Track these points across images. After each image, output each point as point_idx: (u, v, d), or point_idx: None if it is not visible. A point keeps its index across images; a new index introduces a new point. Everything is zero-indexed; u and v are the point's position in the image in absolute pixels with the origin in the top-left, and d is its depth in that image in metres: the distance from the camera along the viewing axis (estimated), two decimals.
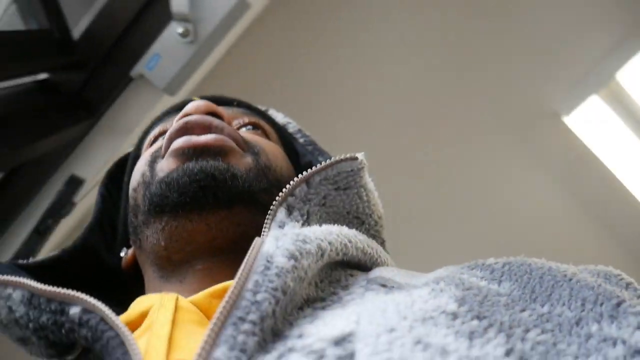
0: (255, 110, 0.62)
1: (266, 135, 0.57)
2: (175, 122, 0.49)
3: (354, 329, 0.29)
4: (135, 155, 0.60)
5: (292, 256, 0.34)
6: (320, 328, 0.30)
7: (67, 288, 0.39)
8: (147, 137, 0.60)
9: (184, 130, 0.47)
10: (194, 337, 0.33)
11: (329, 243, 0.38)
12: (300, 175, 0.44)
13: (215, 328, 0.28)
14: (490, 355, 0.27)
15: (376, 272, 0.40)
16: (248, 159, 0.48)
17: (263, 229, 0.41)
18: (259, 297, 0.30)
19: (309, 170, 0.44)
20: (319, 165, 0.45)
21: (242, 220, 0.45)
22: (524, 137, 1.72)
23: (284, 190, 0.43)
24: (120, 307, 0.44)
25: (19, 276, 0.39)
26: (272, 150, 0.53)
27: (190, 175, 0.44)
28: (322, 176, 0.44)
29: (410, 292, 0.34)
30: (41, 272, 0.47)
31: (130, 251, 0.54)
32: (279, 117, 0.64)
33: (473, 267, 0.39)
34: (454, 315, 0.30)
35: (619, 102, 1.69)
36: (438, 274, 0.39)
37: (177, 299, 0.38)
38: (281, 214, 0.42)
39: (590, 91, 1.64)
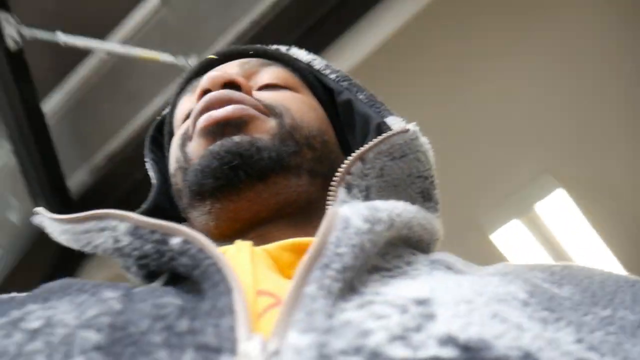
0: (273, 56, 0.60)
1: (288, 87, 0.56)
2: (196, 101, 0.51)
3: (429, 297, 0.29)
4: (170, 120, 0.61)
5: (367, 220, 0.35)
6: (397, 290, 0.31)
7: None
8: (178, 100, 0.60)
9: (205, 108, 0.49)
10: (272, 278, 0.35)
11: (398, 215, 0.39)
12: (352, 155, 0.44)
13: (303, 269, 0.30)
14: (562, 340, 0.27)
15: (439, 255, 0.41)
16: (271, 123, 0.49)
17: (326, 209, 0.41)
18: (340, 250, 0.31)
19: (361, 148, 0.45)
20: (370, 143, 0.45)
21: (280, 188, 0.47)
22: (450, 247, 1.91)
23: (339, 171, 0.44)
24: None
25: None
26: (296, 104, 0.53)
27: (218, 158, 0.46)
28: (375, 151, 0.45)
29: (481, 277, 0.35)
30: None
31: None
32: (302, 55, 0.62)
33: (533, 268, 0.39)
34: (525, 303, 0.31)
35: (537, 229, 1.93)
36: (499, 268, 0.39)
37: (251, 245, 0.40)
38: (342, 193, 0.43)
39: (512, 215, 1.88)
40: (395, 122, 0.53)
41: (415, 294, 0.30)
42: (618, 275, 0.37)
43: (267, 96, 0.52)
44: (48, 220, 0.44)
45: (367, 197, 0.44)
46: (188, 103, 0.57)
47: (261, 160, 0.46)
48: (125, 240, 0.38)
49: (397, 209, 0.39)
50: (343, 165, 0.44)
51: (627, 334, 0.30)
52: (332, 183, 0.43)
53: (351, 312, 0.28)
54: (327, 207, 0.41)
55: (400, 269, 0.37)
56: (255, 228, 0.47)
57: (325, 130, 0.54)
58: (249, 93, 0.51)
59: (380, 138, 0.45)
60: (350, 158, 0.44)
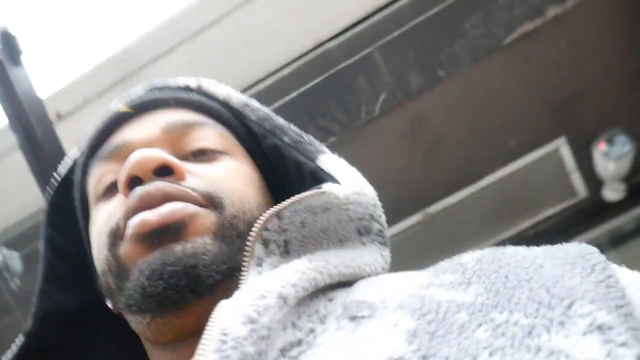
0: (197, 106, 0.55)
1: (218, 151, 0.53)
2: (122, 189, 0.47)
3: None
4: (81, 185, 0.55)
5: (248, 319, 0.34)
6: None
7: None
8: (89, 164, 0.55)
9: (137, 207, 0.45)
10: None
11: (293, 285, 0.38)
12: (265, 215, 0.43)
13: None
14: None
15: (354, 293, 0.41)
16: (211, 218, 0.46)
17: (242, 270, 0.41)
18: None
19: (273, 208, 0.43)
20: (283, 204, 0.43)
21: (230, 292, 0.43)
22: None
23: (253, 229, 0.42)
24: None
25: None
26: (234, 182, 0.50)
27: (161, 280, 0.42)
28: (290, 210, 0.43)
29: (367, 334, 0.35)
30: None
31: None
32: (218, 91, 0.58)
33: (445, 270, 0.39)
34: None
35: None
36: (411, 288, 0.39)
37: None
38: (258, 249, 0.42)
39: None
40: (327, 163, 0.51)
41: None
42: (522, 263, 0.36)
43: (202, 178, 0.48)
44: None
45: (285, 252, 0.43)
46: (104, 171, 0.52)
47: (209, 278, 0.43)
48: None
49: (294, 276, 0.39)
50: (259, 221, 0.42)
51: (516, 345, 0.29)
52: (249, 239, 0.42)
53: None
54: (243, 266, 0.41)
55: (312, 334, 0.37)
56: (196, 337, 0.42)
57: (264, 202, 0.51)
58: (182, 178, 0.47)
59: (293, 199, 0.43)
60: (265, 215, 0.42)
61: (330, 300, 0.41)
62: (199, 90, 0.57)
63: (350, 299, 0.40)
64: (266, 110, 0.56)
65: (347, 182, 0.49)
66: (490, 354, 0.29)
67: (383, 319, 0.35)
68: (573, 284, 0.32)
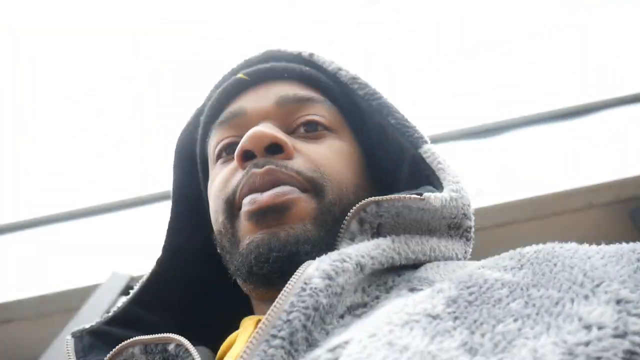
0: (308, 80, 0.59)
1: (325, 127, 0.56)
2: (237, 163, 0.53)
3: (352, 336, 0.34)
4: (204, 140, 0.62)
5: (327, 276, 0.39)
6: (337, 337, 0.36)
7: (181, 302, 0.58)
8: (211, 125, 0.59)
9: (251, 188, 0.51)
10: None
11: (372, 257, 0.43)
12: (365, 200, 0.47)
13: (251, 345, 0.36)
14: (443, 349, 0.31)
15: (420, 271, 0.45)
16: (312, 204, 0.51)
17: (336, 241, 0.46)
18: (291, 316, 0.36)
19: (374, 198, 0.47)
20: (385, 197, 0.47)
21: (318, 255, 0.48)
22: None
23: (353, 208, 0.47)
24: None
25: (136, 329, 0.54)
26: (336, 165, 0.54)
27: (268, 262, 0.48)
28: (389, 203, 0.47)
29: (411, 297, 0.39)
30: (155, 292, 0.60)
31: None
32: (328, 64, 0.61)
33: (505, 257, 0.43)
34: (435, 317, 0.34)
35: None
36: (466, 270, 0.43)
37: (258, 320, 0.47)
38: (354, 225, 0.46)
39: None
40: (430, 154, 0.53)
41: (340, 339, 0.35)
42: (575, 256, 0.39)
43: (308, 160, 0.53)
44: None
45: (377, 233, 0.47)
46: (222, 135, 0.58)
47: (307, 255, 0.48)
48: (141, 358, 0.48)
49: (375, 250, 0.43)
50: (360, 203, 0.47)
51: (540, 313, 0.33)
52: (347, 216, 0.47)
53: None
54: (337, 238, 0.46)
55: (377, 300, 0.42)
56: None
57: (363, 182, 0.56)
58: (291, 157, 0.52)
59: (393, 197, 0.47)
60: (365, 201, 0.47)
61: (399, 275, 0.45)
62: (310, 60, 0.61)
63: (415, 275, 0.44)
64: (375, 88, 0.58)
65: (446, 181, 0.51)
66: (515, 320, 0.33)
67: (427, 290, 0.39)
68: (610, 270, 0.36)
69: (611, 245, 0.42)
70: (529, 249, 0.43)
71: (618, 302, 0.32)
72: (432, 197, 0.48)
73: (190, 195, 0.64)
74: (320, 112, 0.57)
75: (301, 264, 0.45)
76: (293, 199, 0.50)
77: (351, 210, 0.47)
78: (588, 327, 0.30)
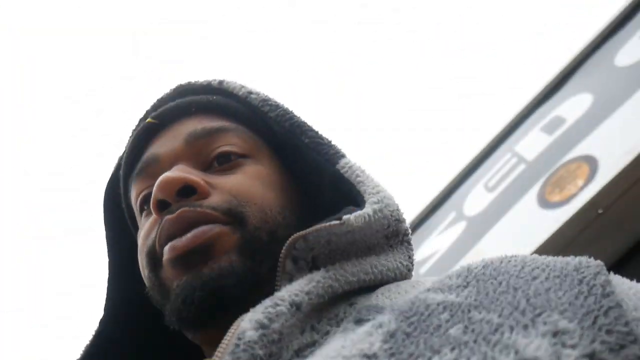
0: (216, 109, 0.57)
1: (239, 155, 0.54)
2: (154, 211, 0.51)
3: None
4: (126, 196, 0.60)
5: (260, 325, 0.37)
6: None
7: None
8: (130, 180, 0.58)
9: (169, 235, 0.49)
10: None
11: (306, 293, 0.41)
12: (292, 236, 0.45)
13: None
14: None
15: (371, 299, 0.44)
16: (235, 235, 0.49)
17: (275, 285, 0.44)
18: None
19: (298, 233, 0.45)
20: (307, 230, 0.45)
21: (258, 298, 0.45)
22: None
23: (283, 249, 0.45)
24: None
25: None
26: (255, 191, 0.52)
27: (193, 303, 0.46)
28: (314, 235, 0.45)
29: (351, 335, 0.38)
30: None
31: None
32: (239, 90, 0.59)
33: (453, 275, 0.41)
34: (374, 357, 0.34)
35: None
36: (413, 293, 0.42)
37: None
38: (289, 265, 0.45)
39: None
40: (347, 169, 0.51)
41: None
42: (519, 275, 0.38)
43: (224, 193, 0.51)
44: None
45: (314, 267, 0.45)
46: (140, 187, 0.56)
47: (235, 294, 0.46)
48: None
49: (308, 285, 0.42)
50: (288, 242, 0.45)
51: (478, 341, 0.32)
52: (280, 257, 0.45)
53: None
54: (276, 283, 0.44)
55: (327, 335, 0.41)
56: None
57: (289, 203, 0.53)
58: (205, 195, 0.50)
59: (314, 228, 0.45)
60: (291, 238, 0.45)
61: (351, 305, 0.44)
62: (220, 88, 0.59)
63: (366, 304, 0.43)
64: (286, 108, 0.56)
65: (366, 194, 0.50)
66: (452, 349, 0.32)
67: (366, 325, 0.38)
68: (552, 297, 0.35)
69: (559, 259, 0.40)
70: (478, 264, 0.42)
71: (555, 334, 0.32)
72: (352, 218, 0.46)
73: (125, 248, 0.61)
74: (232, 140, 0.54)
75: (227, 298, 0.45)
76: (213, 235, 0.48)
77: (282, 251, 0.45)
78: None
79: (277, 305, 0.39)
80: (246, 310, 0.42)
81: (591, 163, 1.59)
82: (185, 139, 0.54)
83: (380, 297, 0.44)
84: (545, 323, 0.32)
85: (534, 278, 0.37)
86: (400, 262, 0.51)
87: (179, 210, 0.49)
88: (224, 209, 0.49)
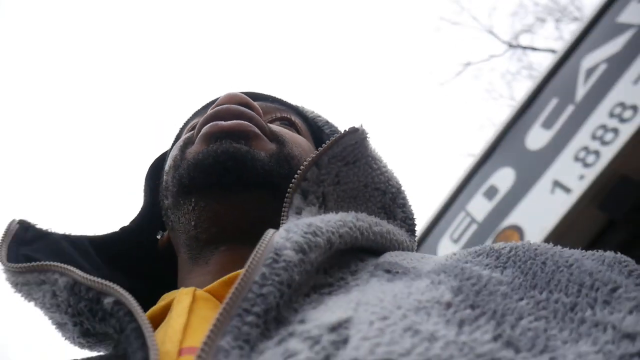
0: (288, 105, 0.63)
1: (296, 129, 0.59)
2: (209, 111, 0.52)
3: (351, 315, 0.30)
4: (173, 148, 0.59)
5: (301, 249, 0.35)
6: (321, 314, 0.32)
7: (115, 265, 0.47)
8: (185, 128, 0.61)
9: (214, 117, 0.50)
10: (209, 324, 0.31)
11: (340, 236, 0.39)
12: (308, 159, 0.45)
13: (221, 318, 0.30)
14: (478, 341, 0.28)
15: (385, 257, 0.42)
16: (272, 146, 0.50)
17: (281, 216, 0.42)
18: (264, 290, 0.31)
19: (315, 152, 0.45)
20: (323, 146, 0.46)
21: (264, 204, 0.48)
22: None
23: (295, 176, 0.44)
24: (161, 286, 0.49)
25: (67, 260, 0.43)
26: (298, 141, 0.54)
27: (214, 156, 0.46)
28: (329, 155, 0.46)
29: (409, 284, 0.35)
30: (98, 248, 0.51)
31: (166, 233, 0.57)
32: (310, 112, 0.66)
33: (480, 254, 0.40)
34: (448, 305, 0.31)
35: None
36: (443, 261, 0.40)
37: (194, 290, 0.41)
38: (297, 199, 0.43)
39: None
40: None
41: (335, 317, 0.30)
42: (560, 254, 0.38)
43: (275, 127, 0.55)
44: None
45: (323, 205, 0.45)
46: (196, 121, 0.57)
47: (254, 170, 0.47)
48: (62, 296, 0.40)
49: (342, 228, 0.40)
50: (298, 171, 0.45)
51: (559, 318, 0.31)
52: (288, 189, 0.44)
53: (268, 353, 0.29)
54: (282, 215, 0.42)
55: (343, 281, 0.38)
56: (227, 240, 0.48)
57: None
58: (260, 116, 0.53)
59: (332, 140, 0.46)
60: (305, 163, 0.45)
61: (362, 260, 0.42)
62: (295, 105, 0.66)
63: (382, 260, 0.41)
64: (337, 127, 0.65)
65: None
66: (536, 319, 0.31)
67: (424, 278, 0.36)
68: (614, 276, 0.34)
69: (584, 251, 0.40)
70: (502, 246, 0.41)
71: None
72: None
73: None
74: (293, 118, 0.60)
75: (248, 168, 0.46)
76: (256, 133, 0.50)
77: (292, 182, 0.44)
78: (630, 337, 0.28)
79: (316, 235, 0.37)
80: (254, 208, 0.46)
81: (520, 233, 2.09)
82: (258, 104, 0.57)
83: (394, 257, 0.42)
84: (628, 299, 0.31)
85: (579, 258, 0.37)
86: (405, 240, 0.50)
87: (234, 106, 0.51)
88: (272, 131, 0.52)
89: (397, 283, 0.36)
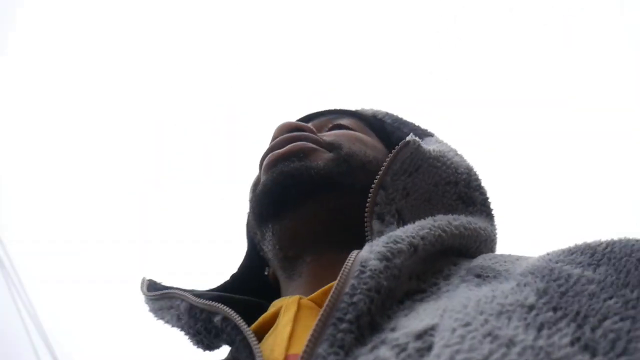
0: (341, 112, 0.66)
1: (353, 129, 0.61)
2: (269, 146, 0.55)
3: (437, 323, 0.32)
4: None
5: (384, 257, 0.37)
6: (411, 321, 0.34)
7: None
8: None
9: (271, 150, 0.54)
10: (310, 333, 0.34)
11: (422, 238, 0.41)
12: (371, 188, 0.46)
13: (317, 328, 0.33)
14: (555, 345, 0.28)
15: (478, 260, 0.43)
16: (329, 155, 0.53)
17: (366, 239, 0.43)
18: (355, 298, 0.34)
19: (373, 186, 0.46)
20: (382, 169, 0.47)
21: (332, 205, 0.50)
22: None
23: (367, 205, 0.46)
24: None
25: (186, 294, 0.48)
26: (354, 137, 0.57)
27: (273, 180, 0.50)
28: (390, 174, 0.47)
29: (495, 287, 0.36)
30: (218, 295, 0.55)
31: (270, 268, 0.60)
32: (368, 110, 0.68)
33: (574, 252, 0.39)
34: (530, 308, 0.31)
35: None
36: (535, 262, 0.39)
37: (299, 299, 0.44)
38: (376, 225, 0.45)
39: None
40: (429, 142, 0.57)
41: (423, 325, 0.32)
42: None
43: (330, 134, 0.57)
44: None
45: (400, 220, 0.47)
46: None
47: (310, 178, 0.49)
48: (184, 319, 0.46)
49: (422, 231, 0.42)
50: (368, 199, 0.46)
51: None
52: (365, 218, 0.46)
53: (361, 359, 0.31)
54: (367, 238, 0.44)
55: (435, 287, 0.40)
56: (311, 249, 0.50)
57: (380, 158, 0.56)
58: (314, 133, 0.56)
59: (388, 160, 0.47)
60: (371, 190, 0.46)
61: (455, 264, 0.43)
62: (352, 110, 0.68)
63: (474, 264, 0.42)
64: (398, 116, 0.67)
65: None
66: (621, 319, 0.30)
67: (511, 280, 0.36)
68: None
69: None
70: (598, 242, 0.40)
71: None
72: (415, 138, 0.49)
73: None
74: (347, 122, 0.63)
75: (305, 178, 0.49)
76: (310, 147, 0.52)
77: (366, 211, 0.46)
78: None
79: (397, 242, 0.39)
80: (323, 210, 0.48)
81: None
82: (317, 119, 0.63)
83: (488, 261, 0.43)
84: None
85: None
86: (487, 227, 0.51)
87: (289, 134, 0.54)
88: (327, 141, 0.55)
89: (484, 288, 0.37)
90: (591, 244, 0.40)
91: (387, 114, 0.67)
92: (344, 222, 0.49)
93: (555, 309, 0.31)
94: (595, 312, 0.31)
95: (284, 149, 0.52)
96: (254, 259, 0.62)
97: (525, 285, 0.35)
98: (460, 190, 0.53)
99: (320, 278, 0.46)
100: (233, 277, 0.60)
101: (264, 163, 0.53)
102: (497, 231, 0.55)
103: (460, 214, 0.51)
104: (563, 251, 0.41)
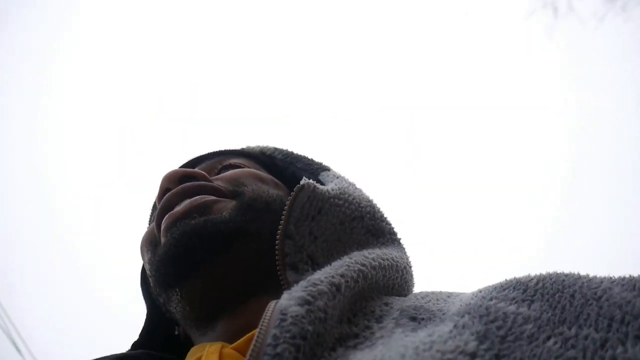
0: (228, 152, 0.63)
1: (245, 166, 0.59)
2: (157, 202, 0.52)
3: None
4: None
5: (304, 302, 0.36)
6: None
7: None
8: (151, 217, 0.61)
9: (165, 209, 0.50)
10: None
11: (341, 276, 0.39)
12: (277, 239, 0.45)
13: None
14: None
15: (410, 300, 0.42)
16: (232, 203, 0.50)
17: (282, 290, 0.41)
18: (279, 349, 0.32)
19: (279, 228, 0.45)
20: (282, 219, 0.45)
21: (244, 256, 0.48)
22: None
23: (276, 257, 0.44)
24: None
25: None
26: (251, 174, 0.55)
27: (174, 244, 0.46)
28: (292, 222, 0.46)
29: (431, 331, 0.35)
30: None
31: (180, 327, 0.58)
32: (255, 148, 0.67)
33: (506, 287, 0.39)
34: (472, 356, 0.31)
35: None
36: (469, 300, 0.39)
37: (221, 347, 0.42)
38: (291, 276, 0.44)
39: None
40: (325, 177, 0.55)
41: None
42: (588, 286, 0.37)
43: (225, 176, 0.54)
44: None
45: (315, 265, 0.45)
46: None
47: (219, 233, 0.47)
48: None
49: (340, 269, 0.40)
50: (276, 252, 0.45)
51: (588, 356, 0.30)
52: (278, 271, 0.44)
53: None
54: (283, 290, 0.41)
55: (368, 330, 0.38)
56: (227, 305, 0.48)
57: (281, 195, 0.55)
58: (206, 179, 0.53)
59: (286, 208, 0.46)
60: (276, 243, 0.45)
61: (386, 304, 0.42)
62: (238, 149, 0.67)
63: (407, 304, 0.41)
64: (288, 150, 0.65)
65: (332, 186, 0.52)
66: None
67: (447, 322, 0.36)
68: None
69: (613, 275, 0.38)
70: (529, 278, 0.39)
71: None
72: (309, 181, 0.48)
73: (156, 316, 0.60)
74: (238, 160, 0.60)
75: (210, 236, 0.46)
76: (211, 200, 0.49)
77: (277, 263, 0.44)
78: None
79: (316, 284, 0.37)
80: (230, 265, 0.46)
81: None
82: (203, 164, 0.61)
83: (420, 300, 0.42)
84: None
85: (609, 288, 0.36)
86: (401, 256, 0.50)
87: (181, 185, 0.51)
88: (224, 185, 0.52)
89: (420, 333, 0.36)
90: (521, 279, 0.40)
91: (275, 149, 0.66)
92: (259, 269, 0.47)
93: (497, 357, 0.31)
94: (537, 358, 0.31)
95: (182, 206, 0.49)
96: (158, 320, 0.59)
97: (463, 327, 0.34)
98: (367, 223, 0.52)
99: (244, 324, 0.45)
100: (134, 345, 0.57)
101: (162, 226, 0.50)
102: (410, 259, 0.54)
103: (373, 247, 0.50)
104: (495, 287, 0.40)
